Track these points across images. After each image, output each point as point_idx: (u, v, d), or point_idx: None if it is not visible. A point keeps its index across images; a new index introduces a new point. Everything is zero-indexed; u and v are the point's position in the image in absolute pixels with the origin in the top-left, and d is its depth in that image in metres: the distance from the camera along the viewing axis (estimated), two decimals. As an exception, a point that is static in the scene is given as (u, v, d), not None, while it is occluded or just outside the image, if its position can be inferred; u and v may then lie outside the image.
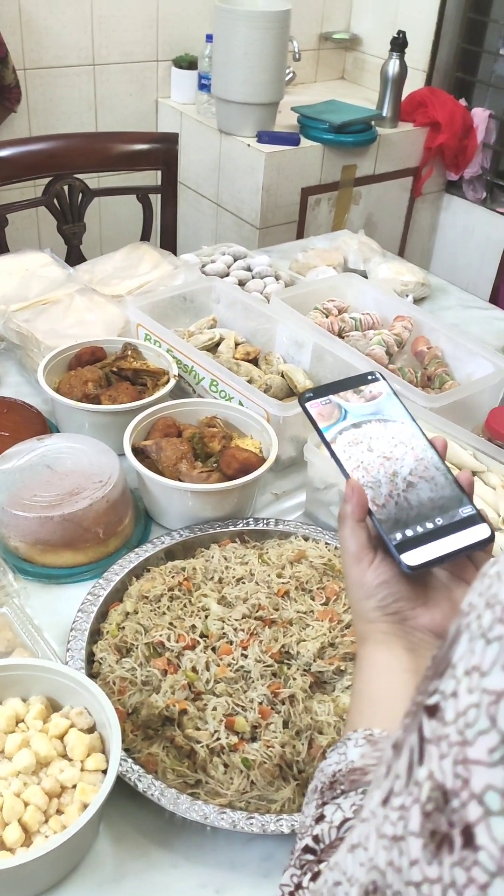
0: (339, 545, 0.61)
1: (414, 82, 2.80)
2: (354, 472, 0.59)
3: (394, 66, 2.63)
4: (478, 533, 0.56)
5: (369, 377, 0.65)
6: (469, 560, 0.59)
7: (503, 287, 1.79)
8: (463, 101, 2.85)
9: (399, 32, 2.60)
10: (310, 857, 0.46)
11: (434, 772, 0.27)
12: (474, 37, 2.85)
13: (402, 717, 0.52)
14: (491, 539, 0.57)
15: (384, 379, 0.65)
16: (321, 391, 0.63)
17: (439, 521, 0.57)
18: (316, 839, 0.46)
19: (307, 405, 0.62)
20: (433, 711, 0.29)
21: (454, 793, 0.26)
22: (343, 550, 0.60)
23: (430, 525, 0.56)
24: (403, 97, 2.71)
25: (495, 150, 2.88)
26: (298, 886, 0.45)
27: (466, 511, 0.57)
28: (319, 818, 0.47)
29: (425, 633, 0.57)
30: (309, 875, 0.45)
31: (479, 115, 2.83)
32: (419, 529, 0.56)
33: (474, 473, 1.03)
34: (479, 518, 0.57)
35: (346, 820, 0.46)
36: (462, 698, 0.27)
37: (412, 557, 0.55)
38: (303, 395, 0.63)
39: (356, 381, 0.64)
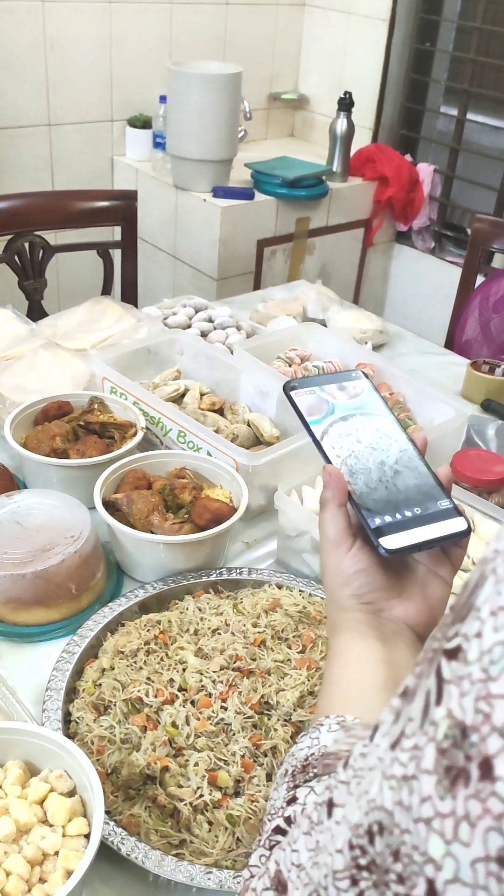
0: (318, 577, 0.61)
1: (361, 139, 2.90)
2: (347, 459, 0.60)
3: (342, 125, 2.73)
4: (455, 525, 0.57)
5: (353, 375, 0.66)
6: (445, 556, 0.59)
7: (457, 333, 1.84)
8: (408, 157, 2.96)
9: (346, 93, 2.71)
10: (280, 837, 0.45)
11: (453, 710, 0.28)
12: (416, 96, 2.98)
13: (374, 698, 0.52)
14: (467, 532, 0.57)
15: (366, 377, 0.66)
16: (306, 382, 0.64)
17: (417, 511, 0.57)
18: (287, 820, 0.46)
19: (291, 393, 0.63)
20: (453, 654, 0.29)
21: (474, 728, 0.27)
22: (322, 536, 0.60)
23: (408, 513, 0.57)
24: (352, 153, 2.81)
25: (441, 203, 2.99)
26: (277, 871, 0.45)
27: (444, 504, 0.58)
28: (291, 800, 0.47)
29: (398, 625, 0.57)
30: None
31: (425, 170, 2.94)
32: (398, 516, 0.56)
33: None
34: (456, 512, 0.58)
35: (318, 803, 0.46)
36: (487, 637, 0.28)
37: (390, 542, 0.55)
38: (287, 384, 0.64)
39: (340, 378, 0.65)
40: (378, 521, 0.56)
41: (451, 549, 0.59)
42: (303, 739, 0.52)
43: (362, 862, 0.32)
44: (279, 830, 0.46)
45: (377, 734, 0.34)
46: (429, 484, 0.59)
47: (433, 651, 0.31)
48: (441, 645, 0.30)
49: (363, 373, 0.66)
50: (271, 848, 0.45)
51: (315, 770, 0.48)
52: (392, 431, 0.62)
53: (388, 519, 0.56)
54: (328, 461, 0.60)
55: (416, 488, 0.58)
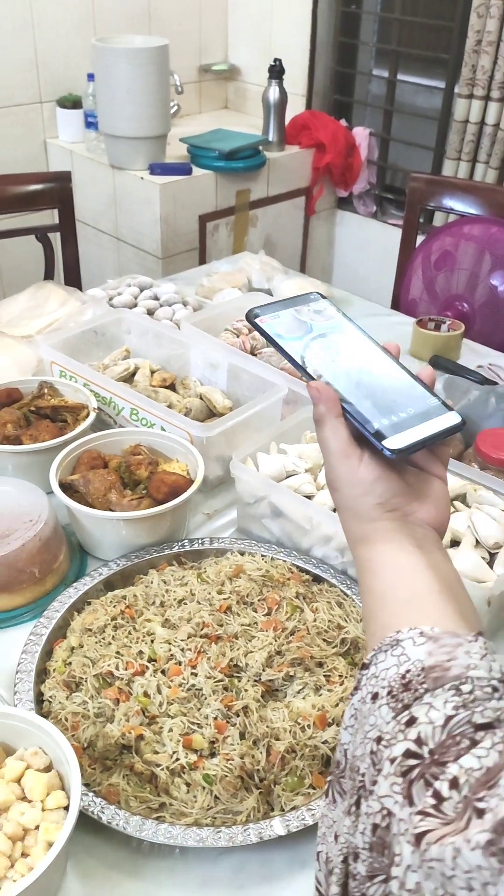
0: (321, 443, 0.59)
1: (295, 107, 2.89)
2: (331, 366, 0.60)
3: (274, 93, 2.71)
4: (449, 419, 0.57)
5: (312, 297, 0.66)
6: (434, 455, 0.59)
7: (402, 293, 1.86)
8: (343, 122, 2.96)
9: (276, 60, 2.69)
10: (414, 761, 0.43)
11: None
12: (346, 59, 2.97)
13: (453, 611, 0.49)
14: (462, 425, 0.58)
15: (323, 297, 0.66)
16: (268, 308, 0.64)
17: (411, 411, 0.57)
18: (418, 742, 0.43)
19: (257, 321, 0.63)
20: None
21: None
22: (326, 451, 0.58)
23: (402, 414, 0.57)
24: (287, 121, 2.79)
25: (379, 166, 3.00)
26: (438, 797, 0.41)
27: (432, 402, 0.58)
28: (411, 721, 0.44)
29: (425, 528, 0.56)
30: (445, 783, 0.41)
31: (361, 134, 2.94)
32: (393, 418, 0.56)
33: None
34: (445, 407, 0.58)
35: (449, 717, 0.44)
36: None
37: (393, 443, 0.55)
38: (250, 312, 0.63)
39: (300, 301, 0.65)
40: (376, 425, 0.56)
41: (437, 448, 0.59)
42: (381, 659, 0.49)
43: None
44: (411, 754, 0.43)
45: None
46: (413, 386, 0.59)
47: None
48: None
49: (319, 294, 0.66)
50: (405, 774, 0.43)
51: (424, 685, 0.46)
52: (367, 343, 0.62)
53: (384, 422, 0.56)
54: (310, 378, 0.59)
55: (401, 390, 0.58)
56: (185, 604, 0.92)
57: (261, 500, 1.05)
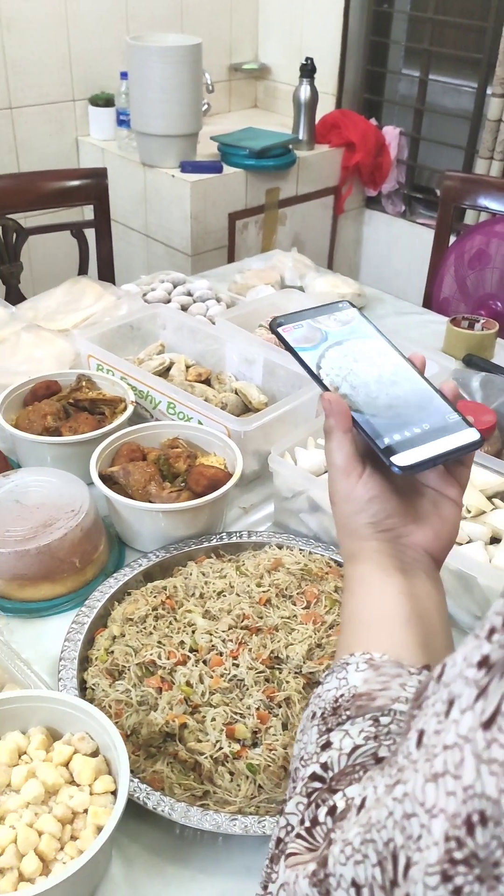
0: (329, 482, 0.58)
1: (325, 106, 2.89)
2: (347, 377, 0.58)
3: (305, 92, 2.71)
4: (466, 436, 0.55)
5: (340, 305, 0.64)
6: (451, 477, 0.57)
7: (435, 292, 1.85)
8: (373, 121, 2.96)
9: (307, 59, 2.69)
10: (318, 784, 0.44)
11: None
12: (377, 58, 2.97)
13: (436, 645, 0.49)
14: (480, 443, 0.55)
15: (353, 306, 0.64)
16: (292, 318, 0.62)
17: (426, 426, 0.55)
18: (324, 766, 0.44)
19: (280, 330, 0.61)
20: None
21: None
22: (330, 465, 0.57)
23: (417, 430, 0.54)
24: (317, 120, 2.79)
25: (409, 166, 2.99)
26: (315, 822, 0.42)
27: (452, 417, 0.56)
28: (326, 745, 0.45)
29: (417, 552, 0.55)
30: (324, 808, 0.42)
31: (391, 133, 2.94)
32: (406, 433, 0.54)
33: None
34: (465, 423, 0.55)
35: (356, 747, 0.44)
36: None
37: (402, 459, 0.53)
38: (274, 321, 0.62)
39: (326, 310, 0.64)
40: (387, 440, 0.54)
41: (456, 469, 0.57)
42: (329, 680, 0.50)
43: (458, 855, 0.30)
44: (316, 777, 0.44)
45: (453, 709, 0.31)
46: (433, 399, 0.57)
47: None
48: None
49: (349, 302, 0.65)
50: (309, 795, 0.44)
51: (348, 712, 0.47)
52: (389, 351, 0.60)
53: (396, 437, 0.54)
54: (325, 389, 0.58)
55: (420, 404, 0.56)
56: (225, 596, 0.93)
57: (299, 495, 1.05)
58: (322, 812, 0.43)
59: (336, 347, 0.60)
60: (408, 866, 0.32)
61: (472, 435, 0.55)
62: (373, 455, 0.56)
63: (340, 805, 0.42)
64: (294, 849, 0.43)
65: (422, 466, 0.53)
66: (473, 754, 0.29)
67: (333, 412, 0.56)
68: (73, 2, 2.57)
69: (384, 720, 0.45)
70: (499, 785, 0.28)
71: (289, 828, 0.44)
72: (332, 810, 0.42)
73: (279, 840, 0.45)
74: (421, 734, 0.33)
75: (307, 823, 0.43)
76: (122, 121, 2.65)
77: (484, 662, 0.30)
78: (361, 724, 0.46)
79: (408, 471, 0.53)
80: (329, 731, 0.47)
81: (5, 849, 0.63)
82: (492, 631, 0.30)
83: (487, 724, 0.29)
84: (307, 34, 2.97)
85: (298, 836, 0.43)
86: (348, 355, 0.60)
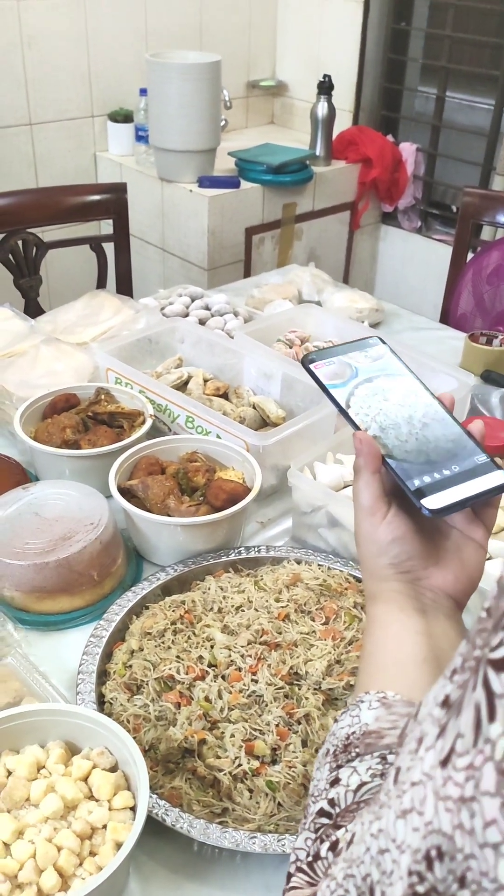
0: (353, 534, 0.59)
1: (342, 122, 2.91)
2: (376, 417, 0.59)
3: (322, 108, 2.73)
4: (494, 479, 0.55)
5: (371, 341, 0.65)
6: (478, 519, 0.57)
7: (452, 307, 1.85)
8: (390, 137, 2.97)
9: (325, 76, 2.71)
10: (325, 820, 0.44)
11: None
12: (394, 75, 2.98)
13: (425, 679, 0.50)
14: None
15: (384, 342, 0.65)
16: (324, 354, 0.63)
17: (455, 468, 0.55)
18: (331, 803, 0.45)
19: (311, 367, 0.62)
20: (501, 665, 0.28)
21: None
22: (356, 504, 0.58)
23: (446, 472, 0.55)
24: (334, 136, 2.81)
25: (425, 181, 3.00)
26: (317, 857, 0.43)
27: (481, 459, 0.56)
28: (334, 781, 0.46)
29: (437, 594, 0.56)
30: (327, 843, 0.43)
31: (407, 149, 2.95)
32: (436, 476, 0.55)
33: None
34: (493, 465, 0.56)
35: (363, 783, 0.45)
36: None
37: (432, 502, 0.53)
38: (306, 357, 0.63)
39: (357, 346, 0.64)
40: (417, 482, 0.55)
41: (483, 511, 0.58)
42: (343, 718, 0.51)
43: (420, 889, 0.30)
44: (323, 813, 0.45)
45: (421, 747, 0.32)
46: (462, 440, 0.57)
47: (475, 660, 0.29)
48: (485, 654, 0.29)
49: (380, 338, 0.65)
50: (317, 831, 0.45)
51: (357, 749, 0.47)
52: (418, 390, 0.61)
53: (426, 479, 0.55)
54: (357, 428, 0.59)
55: (449, 446, 0.57)
56: (243, 611, 0.93)
57: (318, 510, 1.05)
58: (324, 847, 0.43)
59: (365, 385, 0.61)
60: None
61: (499, 478, 0.56)
62: (399, 494, 0.56)
63: (342, 841, 0.42)
64: (296, 882, 0.44)
65: (452, 509, 0.54)
66: (433, 791, 0.30)
67: (363, 452, 0.57)
68: (94, 20, 2.60)
69: (391, 758, 0.46)
70: (452, 821, 0.28)
71: (298, 862, 0.45)
72: (333, 846, 0.43)
73: (289, 875, 0.46)
74: (398, 771, 0.34)
75: (310, 858, 0.44)
76: (141, 136, 2.67)
77: (445, 702, 0.31)
78: (369, 761, 0.46)
79: (438, 514, 0.54)
80: (339, 767, 0.47)
81: (24, 864, 0.63)
82: (454, 671, 0.31)
83: (444, 763, 0.30)
84: (325, 51, 2.99)
85: (300, 870, 0.44)
86: (378, 393, 0.61)
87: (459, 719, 0.29)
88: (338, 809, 0.45)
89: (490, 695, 0.28)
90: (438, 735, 0.30)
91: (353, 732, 0.48)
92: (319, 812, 0.45)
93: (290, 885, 0.44)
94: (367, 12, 2.81)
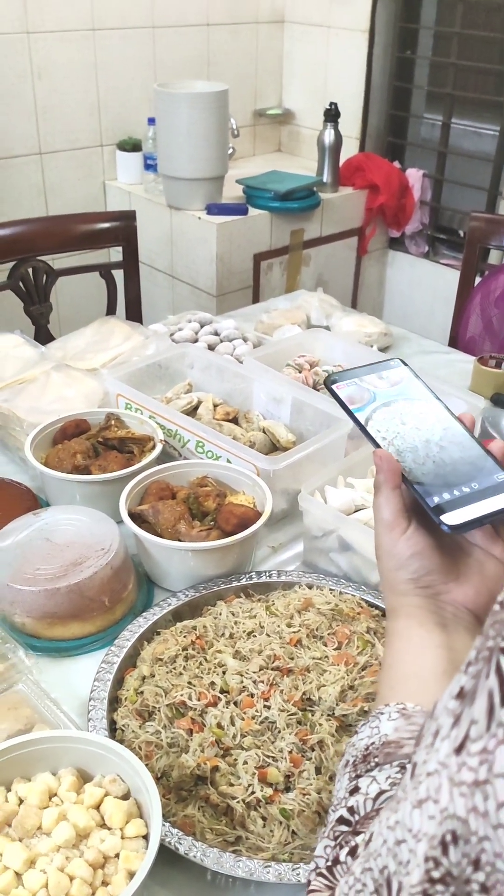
0: (374, 548, 0.60)
1: (349, 149, 2.94)
2: (393, 440, 0.59)
3: (329, 136, 2.76)
4: None
5: (392, 364, 0.66)
6: (498, 536, 0.58)
7: (461, 331, 1.86)
8: (397, 164, 3.00)
9: (331, 104, 2.75)
10: (344, 828, 0.45)
11: None
12: (400, 102, 3.02)
13: (434, 686, 0.50)
14: None
15: (405, 364, 0.66)
16: (345, 375, 0.64)
17: (475, 486, 0.56)
18: (351, 811, 0.45)
19: (333, 387, 0.63)
20: None
21: None
22: (376, 519, 0.59)
23: (466, 489, 0.56)
24: (341, 163, 2.84)
25: (432, 207, 3.02)
26: (336, 861, 0.44)
27: (501, 477, 0.57)
28: (354, 790, 0.46)
29: (458, 608, 0.56)
30: (346, 849, 0.44)
31: (414, 175, 2.97)
32: (455, 493, 0.55)
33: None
34: None
35: (381, 792, 0.45)
36: None
37: (451, 518, 0.54)
38: (328, 378, 0.64)
39: (379, 367, 0.65)
40: (436, 499, 0.55)
41: (502, 527, 0.58)
42: (363, 729, 0.51)
43: (436, 875, 0.31)
44: (343, 821, 0.46)
45: (437, 739, 0.32)
46: (482, 459, 0.58)
47: (489, 650, 0.30)
48: (497, 643, 0.29)
49: (401, 360, 0.66)
50: (336, 839, 0.45)
51: (376, 759, 0.48)
52: (439, 412, 0.62)
53: (446, 496, 0.55)
54: (377, 445, 0.60)
55: (468, 464, 0.58)
56: (255, 636, 0.92)
57: (329, 534, 1.05)
58: (343, 852, 0.44)
59: (383, 409, 0.62)
60: (399, 890, 0.33)
61: None
62: (419, 510, 0.57)
63: (361, 845, 0.43)
64: (315, 886, 0.45)
65: (471, 526, 0.55)
66: (448, 778, 0.30)
67: (384, 468, 0.58)
68: (102, 51, 2.64)
69: (410, 767, 0.46)
70: (466, 805, 0.29)
71: (317, 870, 0.46)
72: (352, 850, 0.44)
73: (308, 883, 0.46)
74: (414, 766, 0.35)
75: (329, 863, 0.45)
76: (149, 165, 2.71)
77: (460, 693, 0.32)
78: (388, 770, 0.47)
79: (457, 530, 0.54)
80: (358, 776, 0.48)
81: (37, 894, 0.62)
82: (468, 664, 0.32)
83: (459, 750, 0.30)
84: (331, 80, 3.03)
85: (320, 874, 0.45)
86: (396, 417, 0.61)
87: (473, 707, 0.30)
88: (357, 817, 0.45)
89: (503, 680, 0.29)
90: (453, 725, 0.31)
91: (373, 743, 0.49)
92: (339, 820, 0.46)
93: (310, 888, 0.45)
94: (371, 42, 2.85)
